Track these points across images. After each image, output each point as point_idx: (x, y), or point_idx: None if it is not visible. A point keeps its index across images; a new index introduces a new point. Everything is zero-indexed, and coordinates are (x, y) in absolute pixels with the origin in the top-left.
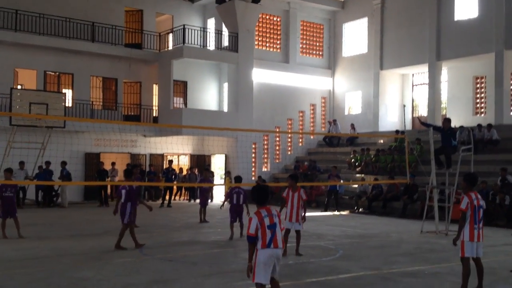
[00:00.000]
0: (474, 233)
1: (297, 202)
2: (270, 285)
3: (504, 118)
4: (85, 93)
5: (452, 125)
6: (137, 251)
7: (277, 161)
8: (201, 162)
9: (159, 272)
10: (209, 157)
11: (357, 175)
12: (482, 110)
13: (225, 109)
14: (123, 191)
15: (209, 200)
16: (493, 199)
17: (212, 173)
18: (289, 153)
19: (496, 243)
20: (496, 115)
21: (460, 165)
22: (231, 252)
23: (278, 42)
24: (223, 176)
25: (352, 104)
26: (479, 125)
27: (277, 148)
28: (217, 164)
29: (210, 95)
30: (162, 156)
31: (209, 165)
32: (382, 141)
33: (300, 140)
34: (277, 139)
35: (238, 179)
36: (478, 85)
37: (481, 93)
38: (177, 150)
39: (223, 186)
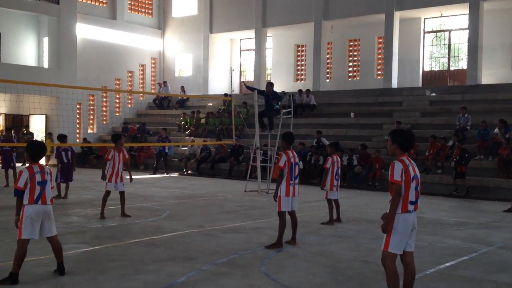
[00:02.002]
0: (290, 189)
1: (121, 162)
2: (50, 243)
3: (320, 85)
4: None
5: (276, 90)
6: None
7: (104, 122)
8: (17, 123)
9: None
10: (27, 117)
11: (187, 137)
12: (302, 76)
13: (46, 65)
14: None
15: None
16: (310, 160)
17: (31, 134)
18: (117, 114)
19: (310, 200)
20: (314, 81)
21: (281, 127)
22: None
23: None
24: (44, 138)
25: (183, 66)
26: (300, 91)
27: (104, 109)
28: (37, 125)
29: (27, 49)
30: None
31: (28, 125)
32: (211, 104)
33: (129, 101)
34: (104, 99)
35: (62, 137)
36: (299, 53)
37: (302, 60)
38: None
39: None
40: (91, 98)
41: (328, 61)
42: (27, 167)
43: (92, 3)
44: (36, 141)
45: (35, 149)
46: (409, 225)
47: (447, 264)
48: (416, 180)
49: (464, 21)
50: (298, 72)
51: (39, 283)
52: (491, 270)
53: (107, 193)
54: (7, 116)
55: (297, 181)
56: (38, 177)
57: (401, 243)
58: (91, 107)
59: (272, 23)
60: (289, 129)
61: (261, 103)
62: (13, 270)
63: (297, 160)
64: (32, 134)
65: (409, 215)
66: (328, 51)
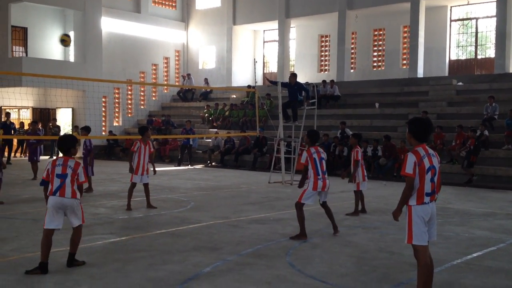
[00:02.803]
0: (318, 184)
1: (148, 154)
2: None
3: (345, 75)
4: None
5: (299, 81)
6: None
7: (129, 115)
8: (45, 116)
9: None
10: (54, 110)
11: (211, 129)
12: (326, 67)
13: (72, 59)
14: None
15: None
16: (334, 151)
17: (58, 127)
18: (142, 107)
19: (334, 191)
20: (338, 72)
21: (305, 119)
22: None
23: None
24: (71, 131)
25: (206, 58)
26: (324, 81)
27: (129, 102)
28: (64, 119)
29: (54, 43)
30: None
31: (55, 119)
32: (234, 96)
33: (154, 94)
34: (129, 92)
35: (88, 129)
36: (323, 44)
37: (326, 51)
38: (16, 103)
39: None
40: (116, 91)
41: (352, 51)
42: (53, 160)
43: None
44: (65, 135)
45: (60, 143)
46: (427, 216)
47: (475, 255)
48: (432, 171)
49: (492, 9)
50: (322, 63)
51: (68, 273)
52: None
53: (133, 185)
54: (34, 110)
55: (325, 175)
56: (58, 170)
57: (423, 234)
58: (117, 100)
59: (295, 14)
60: (313, 120)
61: (285, 94)
62: (41, 259)
63: (322, 155)
64: (59, 127)
65: (426, 207)
66: (352, 41)
